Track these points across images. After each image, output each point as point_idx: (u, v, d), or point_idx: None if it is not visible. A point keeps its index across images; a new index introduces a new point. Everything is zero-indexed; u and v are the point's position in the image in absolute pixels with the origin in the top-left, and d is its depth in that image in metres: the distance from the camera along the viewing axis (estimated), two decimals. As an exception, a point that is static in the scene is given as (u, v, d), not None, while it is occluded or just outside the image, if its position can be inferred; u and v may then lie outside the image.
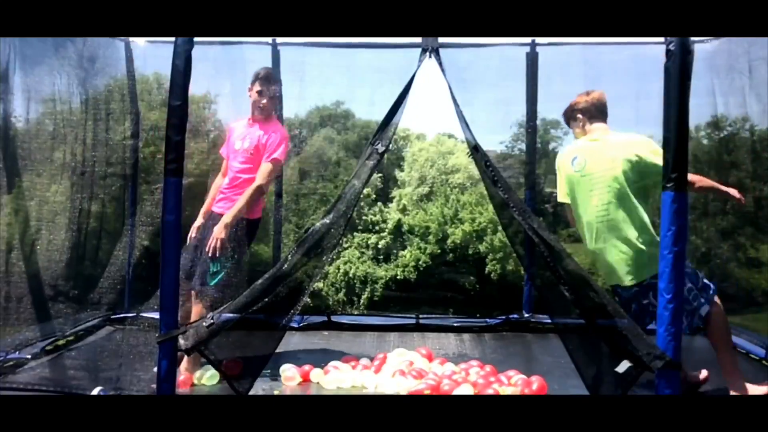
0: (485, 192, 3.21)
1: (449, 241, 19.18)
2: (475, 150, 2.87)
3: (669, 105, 2.25)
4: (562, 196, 3.20)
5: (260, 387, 3.11)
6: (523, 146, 5.11)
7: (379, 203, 20.75)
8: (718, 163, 4.72)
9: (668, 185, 2.23)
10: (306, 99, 5.02)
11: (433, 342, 4.11)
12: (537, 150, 4.91)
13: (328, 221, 2.77)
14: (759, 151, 4.30)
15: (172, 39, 2.39)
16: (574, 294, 2.59)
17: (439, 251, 19.01)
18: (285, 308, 2.91)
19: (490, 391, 3.02)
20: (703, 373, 3.14)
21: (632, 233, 2.93)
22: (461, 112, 2.93)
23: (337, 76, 4.71)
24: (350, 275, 19.01)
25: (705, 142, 5.09)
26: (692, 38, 3.51)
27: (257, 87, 3.49)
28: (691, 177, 2.62)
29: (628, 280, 2.97)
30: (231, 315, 2.59)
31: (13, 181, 3.57)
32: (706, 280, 3.00)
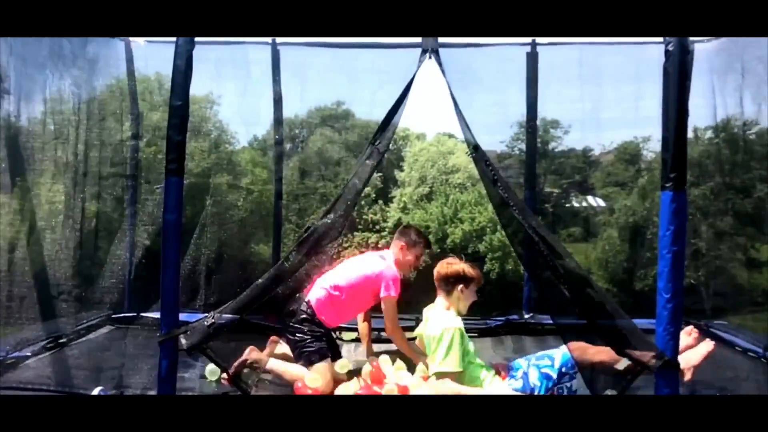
0: (485, 191, 3.23)
1: (449, 240, 19.19)
2: (475, 150, 2.88)
3: (668, 105, 2.26)
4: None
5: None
6: (523, 146, 5.11)
7: (380, 201, 20.75)
8: (718, 164, 4.72)
9: (667, 185, 2.24)
10: (306, 99, 5.03)
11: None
12: (537, 150, 4.91)
13: (329, 221, 2.77)
14: (758, 151, 4.31)
15: (173, 39, 2.40)
16: (573, 293, 2.60)
17: (438, 251, 19.01)
18: (285, 307, 2.92)
19: None
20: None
21: None
22: (461, 112, 2.93)
23: (337, 76, 4.72)
24: (350, 275, 18.99)
25: (705, 143, 5.10)
26: (692, 38, 3.52)
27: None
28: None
29: None
30: (232, 315, 2.60)
31: (14, 180, 3.57)
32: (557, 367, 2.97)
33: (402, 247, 3.59)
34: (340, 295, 3.43)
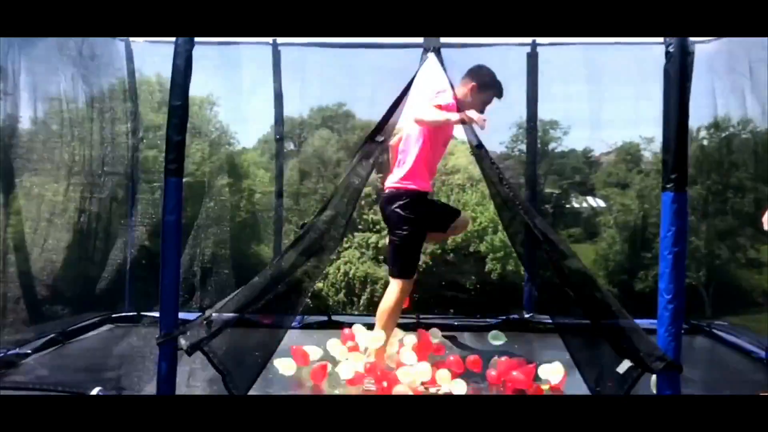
0: (486, 191, 3.23)
1: (450, 240, 19.16)
2: (478, 148, 2.87)
3: (669, 106, 2.25)
4: None
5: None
6: (523, 147, 5.11)
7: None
8: (719, 164, 4.72)
9: (668, 186, 2.23)
10: (307, 99, 5.03)
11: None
12: (537, 150, 4.91)
13: (325, 218, 2.76)
14: (759, 152, 4.30)
15: (172, 38, 2.40)
16: (577, 293, 2.59)
17: (439, 251, 18.98)
18: (285, 307, 2.91)
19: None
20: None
21: None
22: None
23: (337, 76, 4.72)
24: (350, 275, 18.97)
25: (705, 143, 5.10)
26: (692, 39, 3.52)
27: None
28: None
29: None
30: (230, 314, 2.59)
31: (14, 180, 3.56)
32: None
33: (472, 87, 3.18)
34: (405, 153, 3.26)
